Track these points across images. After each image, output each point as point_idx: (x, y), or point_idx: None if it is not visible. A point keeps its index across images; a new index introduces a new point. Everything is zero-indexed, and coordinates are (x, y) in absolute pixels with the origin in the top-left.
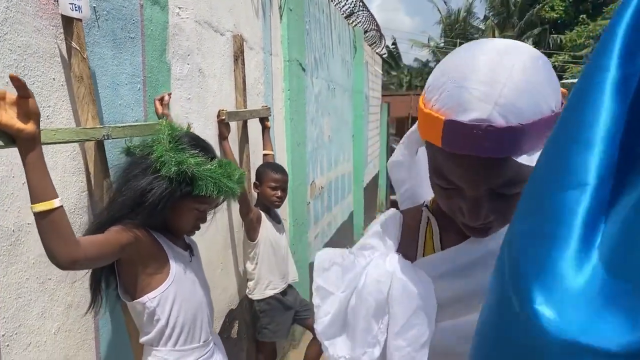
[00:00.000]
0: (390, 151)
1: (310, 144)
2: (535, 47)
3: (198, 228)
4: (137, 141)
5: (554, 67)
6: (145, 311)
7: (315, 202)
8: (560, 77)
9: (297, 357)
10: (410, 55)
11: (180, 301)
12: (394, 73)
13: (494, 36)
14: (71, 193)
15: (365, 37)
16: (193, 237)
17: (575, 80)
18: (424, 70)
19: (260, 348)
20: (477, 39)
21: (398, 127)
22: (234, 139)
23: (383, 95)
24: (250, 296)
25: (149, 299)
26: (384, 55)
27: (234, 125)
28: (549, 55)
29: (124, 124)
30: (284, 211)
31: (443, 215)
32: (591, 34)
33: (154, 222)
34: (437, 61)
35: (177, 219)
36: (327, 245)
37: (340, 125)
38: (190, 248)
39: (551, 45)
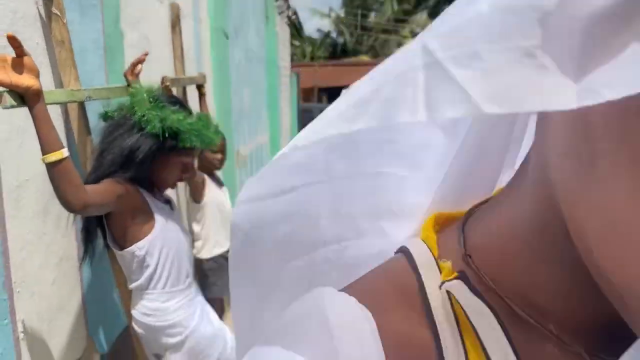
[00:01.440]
0: (302, 121)
1: (233, 113)
2: (429, 18)
3: (182, 180)
4: (114, 106)
5: None
6: (134, 259)
7: (241, 171)
8: None
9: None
10: (311, 25)
11: (166, 248)
12: (297, 43)
13: (392, 8)
14: None
15: (275, 5)
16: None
17: None
18: (325, 41)
19: (209, 304)
20: (376, 10)
21: (304, 98)
22: None
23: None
24: (198, 256)
25: (138, 247)
26: (288, 25)
27: (174, 92)
28: None
29: (102, 87)
30: None
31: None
32: None
33: (141, 178)
34: (339, 32)
35: (163, 173)
36: None
37: (257, 95)
38: (169, 202)
39: None
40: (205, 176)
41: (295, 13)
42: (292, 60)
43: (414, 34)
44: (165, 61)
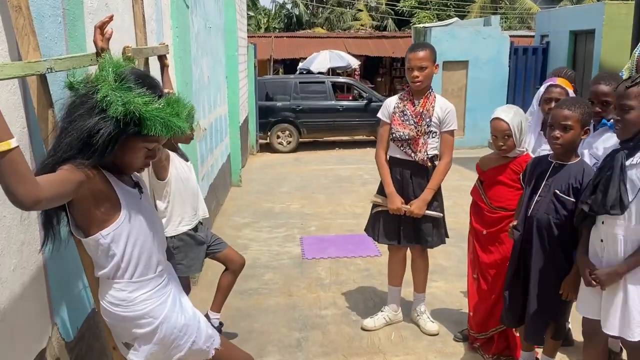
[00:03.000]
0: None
1: (193, 85)
2: None
3: (148, 165)
4: (80, 75)
5: (402, 13)
6: (99, 247)
7: (200, 143)
8: (407, 23)
9: (199, 292)
10: None
11: (134, 236)
12: (251, 14)
13: None
14: (13, 130)
15: None
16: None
17: (425, 25)
18: (281, 12)
19: None
20: None
21: (260, 69)
22: None
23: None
24: None
25: (102, 236)
26: None
27: (136, 64)
28: (397, 1)
29: (66, 56)
30: None
31: None
32: None
33: (103, 161)
34: (294, 3)
35: (127, 158)
36: (212, 185)
37: (216, 66)
38: (138, 185)
39: None
40: (169, 152)
41: None
42: (248, 31)
43: (369, 8)
44: (125, 30)
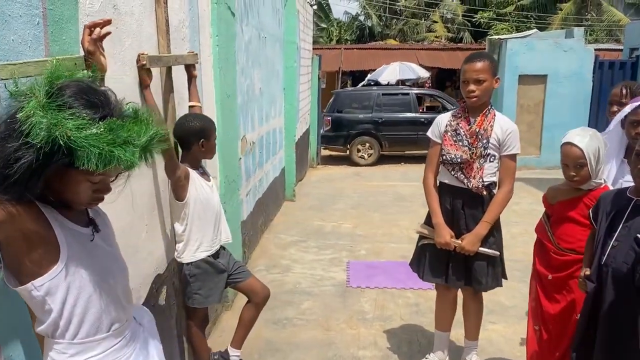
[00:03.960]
0: (322, 107)
1: (240, 97)
2: (461, 3)
3: (100, 200)
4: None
5: (479, 25)
6: (32, 299)
7: (246, 158)
8: (484, 35)
9: (230, 318)
10: (340, 8)
11: (76, 288)
12: (323, 26)
13: None
14: None
15: None
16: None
17: (501, 37)
18: (353, 24)
19: (190, 314)
20: None
21: (328, 81)
22: (157, 88)
23: (314, 49)
24: (179, 259)
25: (35, 287)
26: (313, 7)
27: (156, 72)
28: (475, 12)
29: (10, 62)
30: (214, 168)
31: None
32: None
33: (35, 195)
34: (367, 15)
35: (67, 193)
36: (259, 201)
37: (271, 77)
38: (93, 223)
39: (477, 2)
40: (189, 169)
41: None
42: (318, 42)
43: (444, 19)
44: (144, 37)
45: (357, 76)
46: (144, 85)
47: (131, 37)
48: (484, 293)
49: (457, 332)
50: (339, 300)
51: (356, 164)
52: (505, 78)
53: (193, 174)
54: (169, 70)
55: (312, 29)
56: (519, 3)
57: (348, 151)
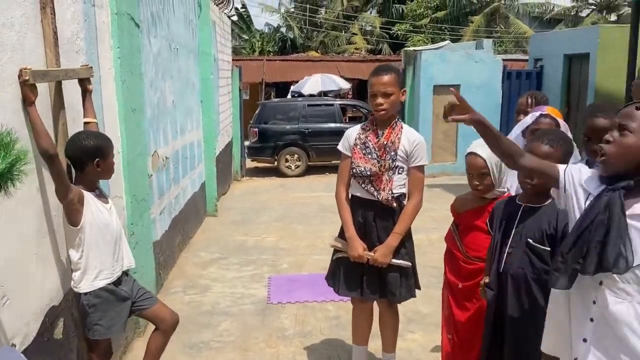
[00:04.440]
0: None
1: (150, 110)
2: (379, 16)
3: None
4: None
5: (397, 37)
6: None
7: (158, 174)
8: (402, 46)
9: (143, 346)
10: (262, 20)
11: None
12: (245, 37)
13: (342, 5)
14: None
15: None
16: None
17: (416, 48)
18: (275, 36)
19: (92, 347)
20: (326, 6)
21: (252, 92)
22: (46, 105)
23: (235, 60)
24: (76, 289)
25: None
26: (232, 17)
27: (43, 87)
28: (392, 25)
29: None
30: (119, 187)
31: None
32: (429, 4)
33: None
34: (289, 27)
35: None
36: (176, 218)
37: (185, 89)
38: None
39: (394, 15)
40: (83, 191)
41: (244, 6)
42: (240, 53)
43: (363, 32)
44: (28, 50)
45: (280, 87)
46: (27, 103)
47: (10, 51)
48: (402, 302)
49: (377, 344)
50: (258, 319)
51: (284, 175)
52: (421, 88)
53: (88, 197)
54: (58, 85)
55: (232, 40)
56: (433, 16)
57: (276, 162)
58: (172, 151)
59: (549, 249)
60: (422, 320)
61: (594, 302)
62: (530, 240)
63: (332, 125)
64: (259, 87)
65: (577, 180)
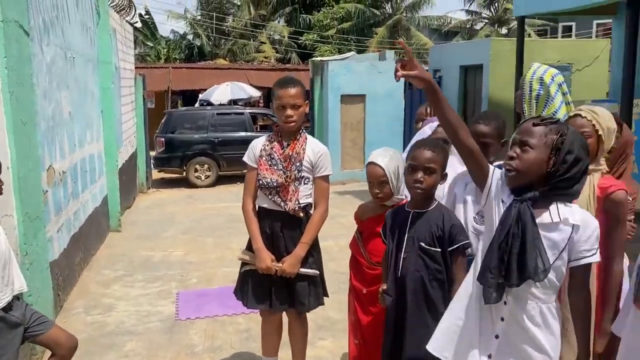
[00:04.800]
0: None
1: (44, 123)
2: (287, 26)
3: None
4: None
5: (305, 46)
6: None
7: (55, 189)
8: (310, 56)
9: None
10: (167, 27)
11: None
12: (150, 44)
13: (249, 13)
14: None
15: (111, 3)
16: None
17: (323, 59)
18: (182, 43)
19: None
20: (233, 13)
21: (158, 101)
22: None
23: (139, 68)
24: None
25: None
26: (136, 24)
27: None
28: (300, 34)
29: None
30: (9, 206)
31: None
32: (335, 15)
33: None
34: (196, 34)
35: None
36: (75, 235)
37: (84, 99)
38: None
39: (301, 25)
40: None
41: (148, 13)
42: (145, 61)
43: (272, 41)
44: None
45: (187, 96)
46: None
47: None
48: (310, 311)
49: (287, 353)
50: (166, 337)
51: (194, 186)
52: (329, 97)
53: None
54: None
55: (136, 47)
56: (339, 27)
57: (185, 173)
58: (69, 165)
59: (439, 249)
60: (333, 327)
61: (505, 303)
62: (422, 244)
63: (243, 134)
64: (165, 95)
65: (498, 184)
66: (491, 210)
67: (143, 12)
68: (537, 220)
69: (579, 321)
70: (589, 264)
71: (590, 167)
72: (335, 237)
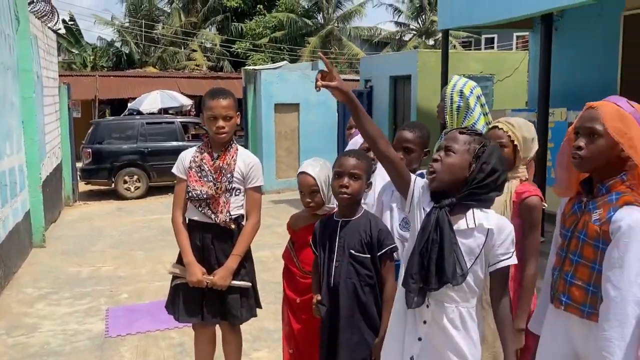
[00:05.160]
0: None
1: None
2: (219, 34)
3: None
4: None
5: (237, 55)
6: None
7: None
8: (243, 64)
9: None
10: (94, 34)
11: None
12: (76, 52)
13: (180, 21)
14: None
15: (32, 9)
16: None
17: (255, 67)
18: (109, 50)
19: None
20: (163, 21)
21: (85, 110)
22: None
23: (64, 76)
24: None
25: None
26: (59, 31)
27: None
28: (232, 43)
29: None
30: None
31: None
32: (267, 24)
33: None
34: (124, 41)
35: None
36: None
37: (2, 110)
38: None
39: (233, 33)
40: None
41: (72, 19)
42: (72, 69)
43: (203, 49)
44: None
45: (116, 105)
46: None
47: None
48: (243, 323)
49: None
50: (95, 355)
51: (123, 198)
52: (263, 106)
53: None
54: None
55: (61, 54)
56: (272, 35)
57: (113, 184)
58: None
59: (368, 256)
60: (268, 337)
61: (427, 306)
62: (352, 251)
63: (174, 143)
64: (92, 104)
65: (420, 192)
66: (414, 217)
67: (67, 18)
68: (455, 227)
69: (502, 326)
70: (507, 267)
71: (509, 174)
72: (272, 247)
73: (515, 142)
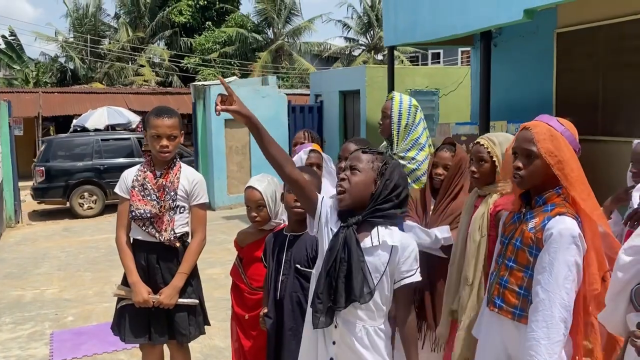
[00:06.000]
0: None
1: None
2: (167, 49)
3: None
4: None
5: (186, 70)
6: None
7: None
8: (192, 79)
9: None
10: (36, 49)
11: None
12: (17, 67)
13: (127, 36)
14: None
15: None
16: None
17: (205, 83)
18: (53, 66)
19: None
20: (109, 36)
21: (27, 128)
22: None
23: (4, 92)
24: None
25: None
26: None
27: None
28: (181, 58)
29: None
30: None
31: None
32: (217, 39)
33: None
34: (68, 57)
35: None
36: None
37: None
38: None
39: (182, 48)
40: None
41: (13, 34)
42: (13, 85)
43: (152, 64)
44: None
45: (60, 121)
46: None
47: None
48: (198, 338)
49: None
50: None
51: (79, 216)
52: (213, 122)
53: None
54: None
55: (0, 71)
56: (222, 50)
57: (68, 203)
58: None
59: (313, 270)
60: (219, 355)
61: (335, 327)
62: (299, 266)
63: (131, 160)
64: (35, 121)
65: (327, 212)
66: (322, 237)
67: (7, 33)
68: (362, 245)
69: (408, 345)
70: (411, 284)
71: (490, 187)
72: (223, 264)
73: (494, 158)
